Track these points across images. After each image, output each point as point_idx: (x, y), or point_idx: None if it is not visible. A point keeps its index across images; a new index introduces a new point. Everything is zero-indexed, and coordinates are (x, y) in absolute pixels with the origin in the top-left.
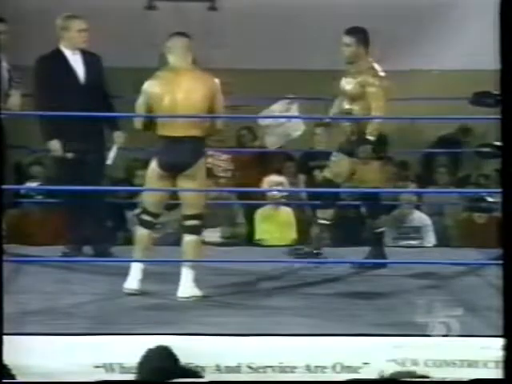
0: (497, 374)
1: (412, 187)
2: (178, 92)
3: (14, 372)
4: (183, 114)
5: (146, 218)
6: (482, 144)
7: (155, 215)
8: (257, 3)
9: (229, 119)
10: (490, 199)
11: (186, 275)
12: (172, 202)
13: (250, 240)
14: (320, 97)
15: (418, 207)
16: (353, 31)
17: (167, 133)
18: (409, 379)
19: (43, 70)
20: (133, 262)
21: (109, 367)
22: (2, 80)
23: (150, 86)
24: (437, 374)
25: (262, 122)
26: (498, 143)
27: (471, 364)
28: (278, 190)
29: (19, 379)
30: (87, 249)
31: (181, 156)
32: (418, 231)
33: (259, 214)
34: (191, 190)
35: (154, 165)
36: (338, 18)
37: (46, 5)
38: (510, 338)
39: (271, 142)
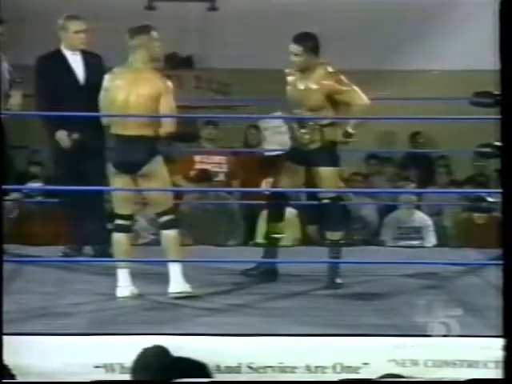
0: (497, 374)
1: (412, 187)
2: (127, 90)
3: (13, 372)
4: (133, 113)
5: (118, 222)
6: (482, 144)
7: (127, 217)
8: (257, 3)
9: (228, 119)
10: (490, 199)
11: (175, 271)
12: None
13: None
14: None
15: (418, 207)
16: (301, 39)
17: (119, 131)
18: (408, 379)
19: (43, 70)
20: (133, 262)
21: (109, 367)
22: (2, 80)
23: (106, 80)
24: (437, 374)
25: (262, 125)
26: (498, 143)
27: (471, 364)
28: (278, 190)
29: (19, 379)
30: (87, 249)
31: (132, 155)
32: (418, 231)
33: (263, 215)
34: (194, 190)
35: (109, 164)
36: (338, 17)
37: (47, 4)
38: (510, 338)
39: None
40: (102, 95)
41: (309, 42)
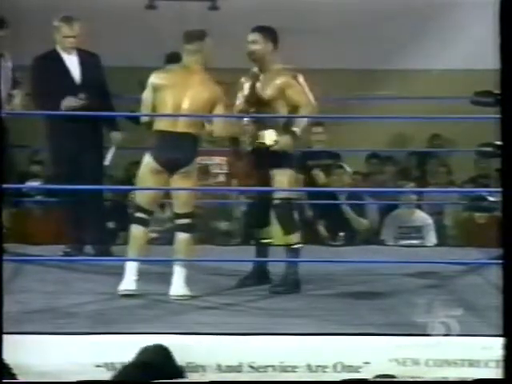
0: (497, 373)
1: (412, 187)
2: (182, 90)
3: (14, 371)
4: (185, 112)
5: (139, 215)
6: (482, 143)
7: (149, 212)
8: (258, 2)
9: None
10: (490, 199)
11: (179, 274)
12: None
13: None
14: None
15: (419, 206)
16: (260, 29)
17: (167, 128)
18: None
19: (39, 70)
20: (133, 261)
21: (110, 366)
22: (5, 80)
23: (156, 78)
24: (438, 373)
25: None
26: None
27: (472, 364)
28: (278, 190)
29: (19, 379)
30: (88, 248)
31: (180, 153)
32: (419, 231)
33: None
34: (185, 188)
35: (149, 159)
36: (339, 17)
37: (48, 4)
38: (510, 338)
39: None
40: (149, 92)
41: (269, 32)
